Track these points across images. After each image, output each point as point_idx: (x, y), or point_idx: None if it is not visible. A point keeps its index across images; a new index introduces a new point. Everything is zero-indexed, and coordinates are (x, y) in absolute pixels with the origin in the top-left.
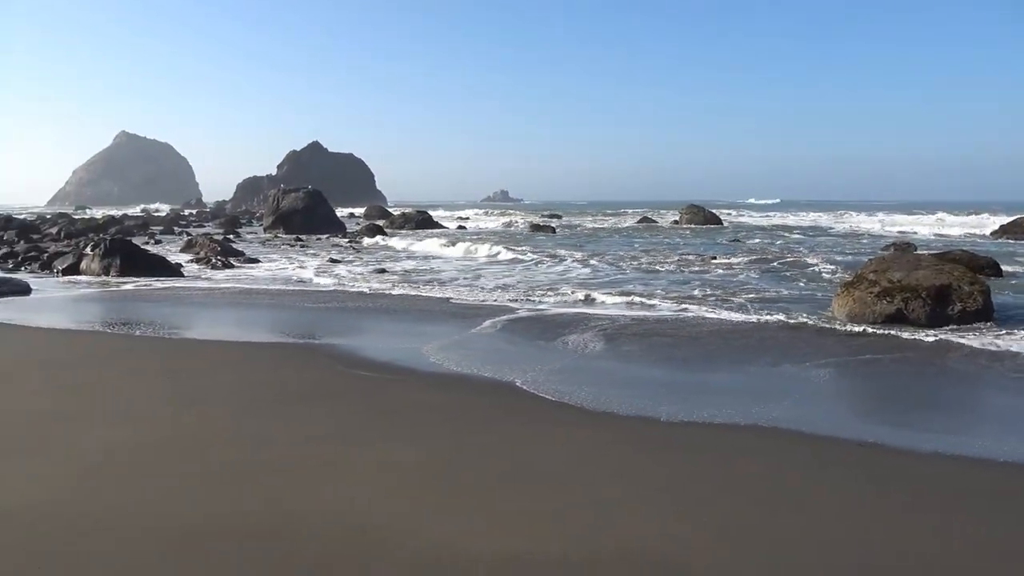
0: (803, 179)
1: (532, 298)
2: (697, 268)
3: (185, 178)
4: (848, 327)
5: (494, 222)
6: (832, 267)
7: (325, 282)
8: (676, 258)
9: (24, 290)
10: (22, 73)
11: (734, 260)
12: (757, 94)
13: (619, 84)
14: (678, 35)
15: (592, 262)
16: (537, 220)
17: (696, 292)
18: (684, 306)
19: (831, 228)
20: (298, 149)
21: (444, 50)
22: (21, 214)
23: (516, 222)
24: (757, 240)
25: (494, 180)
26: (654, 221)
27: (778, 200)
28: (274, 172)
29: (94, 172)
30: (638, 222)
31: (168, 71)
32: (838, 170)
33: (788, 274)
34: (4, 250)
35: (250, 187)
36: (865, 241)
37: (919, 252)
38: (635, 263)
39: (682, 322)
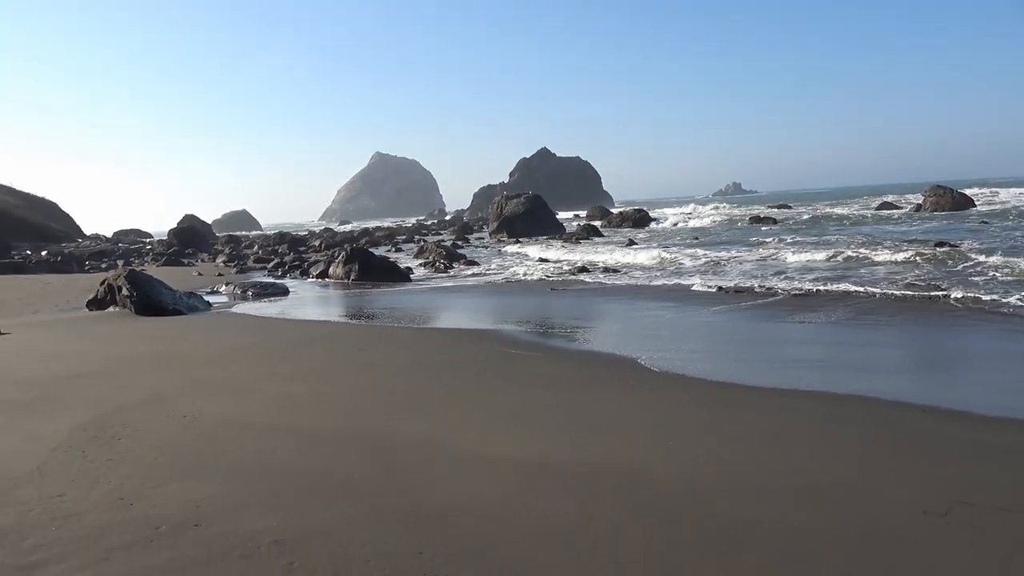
0: None
1: (709, 286)
2: (903, 256)
3: (430, 190)
4: None
5: (716, 215)
6: None
7: (526, 279)
8: (889, 245)
9: (283, 292)
10: (300, 113)
11: (962, 247)
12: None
13: (860, 58)
14: None
15: (792, 252)
16: (760, 212)
17: (882, 277)
18: (844, 286)
19: None
20: (528, 156)
21: (673, 45)
22: (296, 231)
23: (738, 214)
24: (1000, 222)
25: (727, 173)
26: (894, 206)
27: None
28: (506, 179)
29: (353, 190)
30: (877, 208)
31: (412, 93)
32: None
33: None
34: (275, 260)
35: (485, 195)
36: None
37: None
38: (842, 252)
39: (842, 302)
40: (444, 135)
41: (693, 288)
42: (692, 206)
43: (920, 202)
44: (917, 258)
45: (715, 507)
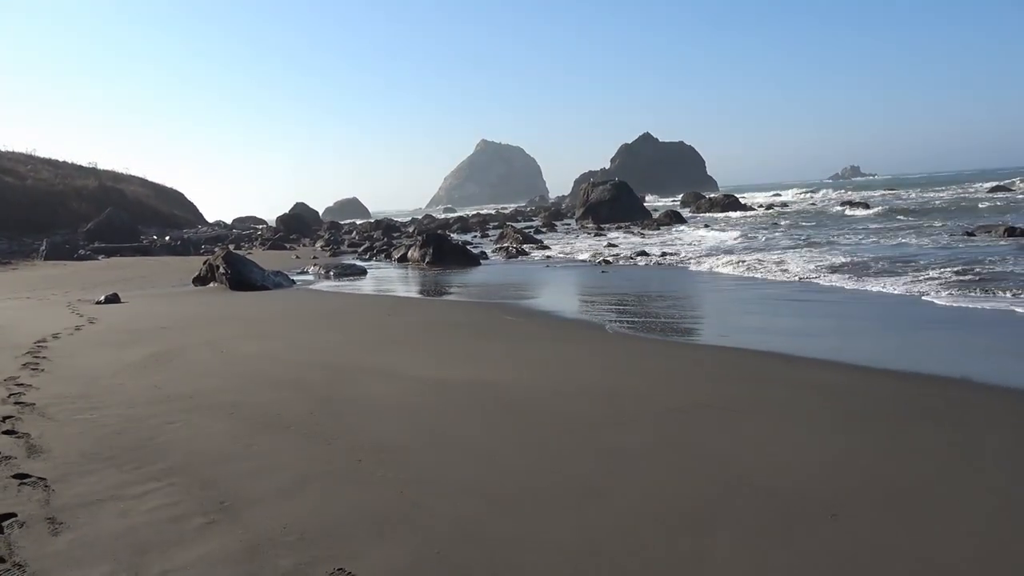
0: None
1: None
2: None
3: (533, 176)
4: None
5: (809, 200)
6: None
7: (586, 261)
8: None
9: (361, 272)
10: (412, 103)
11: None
12: None
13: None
14: None
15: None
16: (855, 196)
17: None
18: (851, 277)
19: None
20: (630, 142)
21: (782, 22)
22: (401, 217)
23: (831, 199)
24: None
25: (845, 156)
26: (1009, 190)
27: None
28: (607, 166)
29: (460, 177)
30: (990, 191)
31: (518, 79)
32: None
33: None
34: (366, 245)
35: (584, 181)
36: None
37: None
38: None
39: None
40: (549, 121)
41: (726, 272)
42: (813, 190)
43: None
44: None
45: (538, 403)
